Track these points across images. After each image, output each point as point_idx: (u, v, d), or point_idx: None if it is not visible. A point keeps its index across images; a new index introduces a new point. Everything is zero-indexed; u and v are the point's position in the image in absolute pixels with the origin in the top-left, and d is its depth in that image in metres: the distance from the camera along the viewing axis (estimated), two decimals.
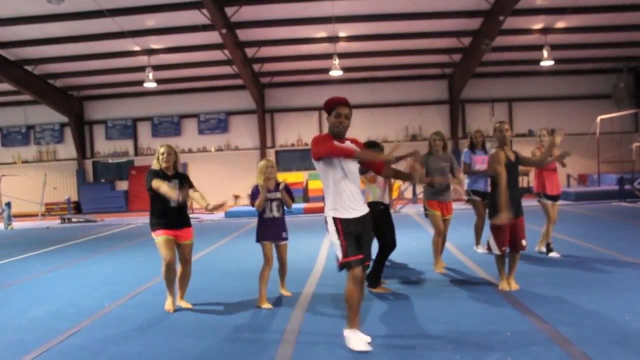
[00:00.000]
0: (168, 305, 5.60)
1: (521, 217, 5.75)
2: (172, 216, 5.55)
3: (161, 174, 5.53)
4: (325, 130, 17.75)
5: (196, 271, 7.72)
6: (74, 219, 18.11)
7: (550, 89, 21.15)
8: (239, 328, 4.91)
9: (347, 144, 4.39)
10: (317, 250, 8.66)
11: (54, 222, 17.90)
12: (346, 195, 4.28)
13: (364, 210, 4.36)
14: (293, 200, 5.94)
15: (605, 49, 18.97)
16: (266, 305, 5.58)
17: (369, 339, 4.18)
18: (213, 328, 4.92)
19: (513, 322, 4.63)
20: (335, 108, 4.34)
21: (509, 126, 5.76)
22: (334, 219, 4.27)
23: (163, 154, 5.57)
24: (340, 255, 4.25)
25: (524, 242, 5.75)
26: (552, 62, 17.50)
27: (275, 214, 5.76)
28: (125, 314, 5.51)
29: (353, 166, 4.32)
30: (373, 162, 4.55)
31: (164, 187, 5.30)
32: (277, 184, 5.79)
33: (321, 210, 16.03)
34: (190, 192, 5.68)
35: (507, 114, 21.44)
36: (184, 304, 5.70)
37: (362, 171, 4.57)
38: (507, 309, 5.06)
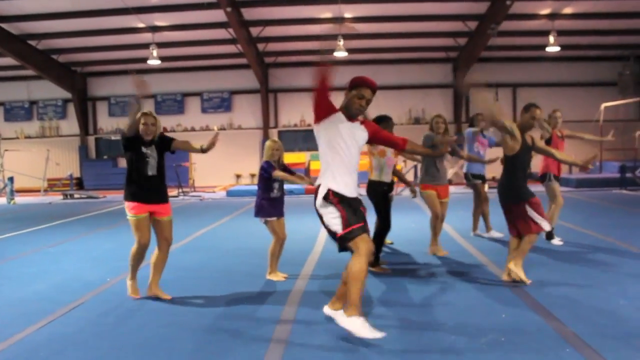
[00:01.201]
0: (133, 290, 5.16)
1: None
2: (150, 188, 5.01)
3: (138, 140, 5.01)
4: None
5: (198, 249, 7.86)
6: (76, 195, 18.19)
7: (555, 75, 21.06)
8: (237, 303, 4.99)
9: (357, 124, 4.15)
10: (317, 231, 8.73)
11: (56, 198, 17.99)
12: (345, 172, 4.03)
13: (355, 194, 4.09)
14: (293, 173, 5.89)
15: (611, 36, 18.87)
16: (277, 277, 5.79)
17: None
18: (213, 302, 5.00)
19: (508, 305, 4.70)
20: (361, 88, 4.08)
21: (541, 112, 5.46)
22: (329, 190, 3.97)
23: (145, 124, 4.98)
24: (340, 226, 3.89)
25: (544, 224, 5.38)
26: (558, 48, 17.42)
27: (277, 194, 5.84)
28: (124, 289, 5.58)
29: (354, 148, 4.06)
30: (392, 139, 4.40)
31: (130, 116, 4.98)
32: (283, 166, 5.86)
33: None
34: (175, 143, 5.19)
35: (511, 99, 21.40)
36: (161, 294, 5.14)
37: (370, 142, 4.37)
38: (503, 291, 5.12)
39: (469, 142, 7.90)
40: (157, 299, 5.09)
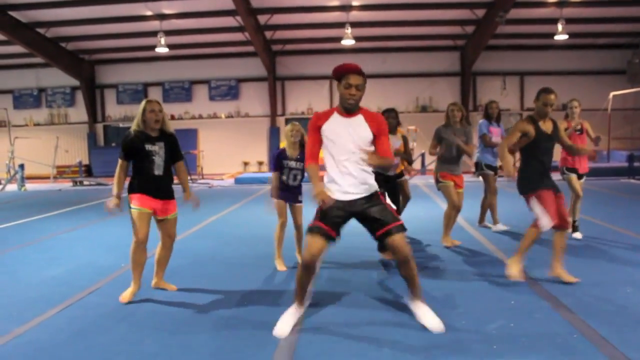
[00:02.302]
0: (126, 294, 4.76)
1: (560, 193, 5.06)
2: (158, 188, 4.78)
3: (142, 137, 4.69)
4: (337, 100, 17.61)
5: (208, 236, 7.96)
6: (85, 182, 18.34)
7: (563, 64, 21.00)
8: (245, 296, 5.08)
9: (359, 119, 3.91)
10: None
11: (66, 185, 18.15)
12: (337, 172, 3.93)
13: (350, 195, 3.92)
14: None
15: (621, 24, 18.76)
16: (281, 267, 5.78)
17: (296, 314, 4.06)
18: (221, 292, 5.10)
19: (517, 292, 4.77)
20: (345, 77, 3.82)
21: (555, 97, 5.18)
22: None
23: (152, 111, 4.67)
24: (313, 216, 4.00)
25: (569, 219, 5.13)
26: (566, 36, 17.38)
27: (291, 182, 5.84)
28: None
29: (350, 145, 3.86)
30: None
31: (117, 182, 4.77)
32: (302, 153, 5.76)
33: None
34: (177, 166, 4.94)
35: (519, 87, 21.39)
36: (167, 286, 5.07)
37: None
38: (511, 280, 5.20)
39: (481, 132, 7.66)
40: (169, 282, 5.19)
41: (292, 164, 5.79)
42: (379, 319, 4.20)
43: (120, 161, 4.76)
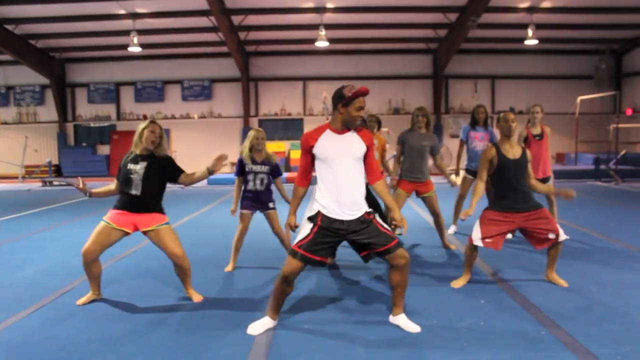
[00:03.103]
0: (83, 298, 4.70)
1: (536, 210, 4.97)
2: (132, 203, 4.57)
3: (129, 157, 4.63)
4: (312, 102, 17.72)
5: (180, 237, 7.89)
6: (55, 182, 18.08)
7: (533, 68, 21.42)
8: (218, 298, 5.11)
9: (351, 135, 3.93)
10: (300, 219, 8.86)
11: (35, 185, 17.86)
12: (334, 188, 3.91)
13: (347, 214, 3.88)
14: (281, 174, 5.88)
15: (588, 30, 19.24)
16: (228, 268, 5.81)
17: (269, 325, 4.05)
18: (199, 288, 5.11)
19: (487, 292, 4.90)
20: (357, 100, 3.84)
21: (515, 116, 5.06)
22: (319, 213, 3.93)
23: (153, 131, 4.59)
24: (297, 239, 3.95)
25: (550, 235, 4.93)
26: (536, 41, 17.72)
27: (259, 187, 5.70)
28: (115, 275, 5.66)
29: (347, 161, 3.89)
30: (372, 165, 4.03)
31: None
32: (267, 159, 5.74)
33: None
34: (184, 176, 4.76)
35: (490, 91, 21.74)
36: (194, 296, 4.81)
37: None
38: (482, 279, 5.32)
39: (465, 137, 7.66)
40: (143, 284, 5.18)
41: (257, 167, 5.69)
42: (354, 317, 4.27)
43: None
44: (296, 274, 3.92)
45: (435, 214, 6.71)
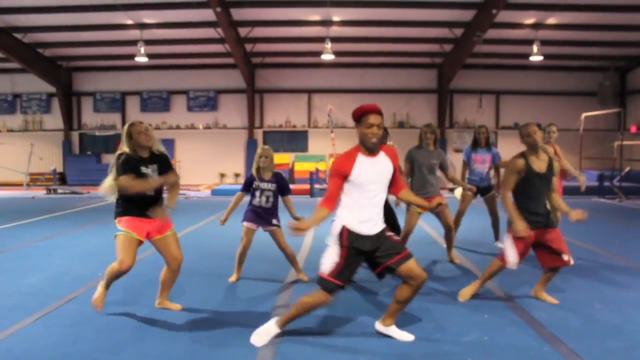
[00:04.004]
0: (100, 298, 4.59)
1: (554, 227, 4.99)
2: (148, 206, 4.52)
3: (136, 159, 4.46)
4: (317, 114, 17.84)
5: (183, 247, 7.91)
6: (59, 190, 18.13)
7: (537, 84, 21.47)
8: (223, 309, 5.12)
9: (381, 156, 3.93)
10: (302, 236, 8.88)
11: (39, 193, 17.92)
12: (366, 206, 3.88)
13: (374, 229, 3.92)
14: (289, 192, 5.87)
15: (593, 47, 19.28)
16: (232, 279, 5.85)
17: (273, 332, 4.04)
18: (199, 304, 5.13)
19: (491, 307, 4.90)
20: (365, 117, 3.80)
21: (537, 127, 4.94)
22: (344, 229, 3.86)
23: (140, 132, 4.44)
24: (326, 268, 3.88)
25: (564, 257, 4.90)
26: (541, 58, 17.77)
27: (264, 204, 5.71)
28: (119, 283, 5.64)
29: (380, 184, 3.91)
30: (396, 176, 4.03)
31: (142, 184, 4.40)
32: (275, 175, 5.77)
33: (307, 192, 16.41)
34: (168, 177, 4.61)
35: (495, 106, 21.77)
36: (171, 306, 4.83)
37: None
38: (486, 294, 5.32)
39: (466, 158, 7.64)
40: (146, 292, 5.19)
41: (264, 185, 5.71)
42: (357, 329, 4.28)
43: (116, 177, 4.39)
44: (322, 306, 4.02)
45: (447, 226, 6.71)
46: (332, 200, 3.87)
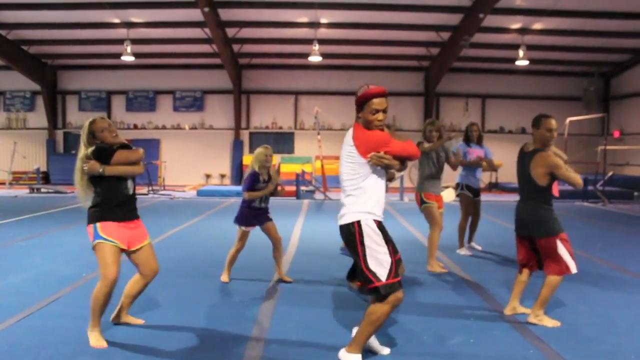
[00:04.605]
0: (97, 339, 3.95)
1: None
2: (128, 205, 4.15)
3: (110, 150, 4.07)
4: (303, 116, 17.86)
5: (170, 247, 7.89)
6: (43, 189, 17.94)
7: (523, 88, 21.64)
8: (208, 311, 5.09)
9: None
10: (290, 234, 8.86)
11: (22, 192, 17.71)
12: (382, 195, 3.61)
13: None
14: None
15: (578, 53, 19.51)
16: (224, 278, 5.81)
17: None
18: (183, 306, 5.10)
19: (477, 310, 4.92)
20: (371, 102, 3.51)
21: (557, 124, 4.57)
22: (375, 221, 3.53)
23: (104, 130, 4.09)
24: (384, 272, 3.44)
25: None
26: (527, 62, 17.93)
27: (264, 204, 5.76)
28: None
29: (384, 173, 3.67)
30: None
31: (134, 154, 4.12)
32: (270, 175, 5.74)
33: (293, 193, 16.37)
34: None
35: (480, 110, 21.91)
36: (133, 321, 4.45)
37: None
38: (473, 297, 5.34)
39: (463, 152, 7.56)
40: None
41: (263, 185, 5.68)
42: (344, 334, 4.26)
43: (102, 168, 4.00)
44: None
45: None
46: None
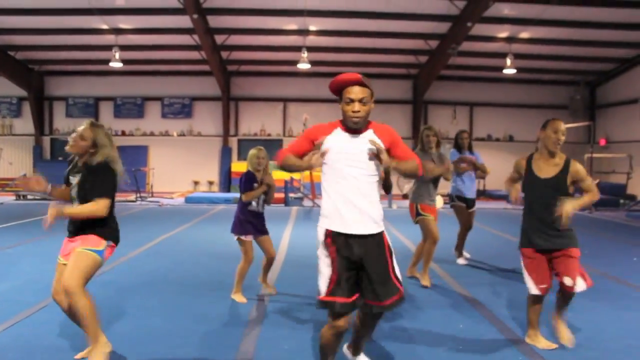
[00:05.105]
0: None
1: (568, 249, 4.14)
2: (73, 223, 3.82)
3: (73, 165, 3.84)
4: (292, 123, 17.87)
5: (158, 254, 7.85)
6: (29, 196, 17.77)
7: (510, 97, 21.83)
8: (195, 322, 5.07)
9: (369, 134, 3.18)
10: (279, 240, 8.85)
11: (9, 198, 17.55)
12: (341, 200, 3.10)
13: (369, 228, 3.12)
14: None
15: (564, 62, 19.74)
16: (239, 298, 5.31)
17: None
18: (170, 317, 5.07)
19: (466, 316, 4.93)
20: (344, 91, 3.12)
21: (564, 128, 4.30)
22: (327, 230, 3.14)
23: (75, 142, 3.82)
24: (322, 287, 3.08)
25: (567, 281, 4.05)
26: (514, 71, 18.11)
27: (260, 208, 5.41)
28: (91, 291, 5.56)
29: (359, 169, 3.11)
30: (412, 159, 3.28)
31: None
32: (265, 178, 5.41)
33: (281, 200, 16.36)
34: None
35: (468, 117, 22.05)
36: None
37: None
38: (461, 304, 5.36)
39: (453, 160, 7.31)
40: (121, 305, 5.11)
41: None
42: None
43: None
44: (343, 332, 3.14)
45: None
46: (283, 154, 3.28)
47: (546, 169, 4.23)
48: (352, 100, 3.07)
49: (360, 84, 3.09)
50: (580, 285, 4.04)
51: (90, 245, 3.64)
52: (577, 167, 4.26)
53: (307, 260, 7.57)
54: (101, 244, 3.67)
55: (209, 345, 4.15)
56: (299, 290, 5.78)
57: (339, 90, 3.18)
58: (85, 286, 3.55)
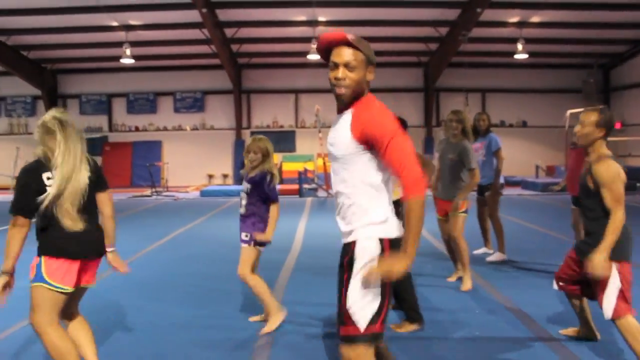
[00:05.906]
0: None
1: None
2: (84, 234, 3.10)
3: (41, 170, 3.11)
4: (304, 114, 17.87)
5: (174, 248, 7.93)
6: None
7: (523, 82, 21.64)
8: (213, 316, 5.11)
9: (348, 115, 2.47)
10: (294, 232, 8.90)
11: None
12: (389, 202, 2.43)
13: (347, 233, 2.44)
14: (273, 198, 4.42)
15: (577, 45, 19.53)
16: (279, 316, 4.31)
17: None
18: (188, 312, 5.12)
19: (481, 302, 4.95)
20: (330, 54, 2.44)
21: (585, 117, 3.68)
22: (383, 240, 2.33)
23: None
24: (376, 315, 2.29)
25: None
26: (526, 55, 17.95)
27: (241, 209, 4.42)
28: (104, 291, 5.61)
29: (331, 156, 2.53)
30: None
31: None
32: (262, 174, 4.38)
33: (295, 192, 16.42)
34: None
35: (481, 104, 21.91)
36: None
37: None
38: (477, 290, 5.36)
39: None
40: (120, 308, 5.16)
41: (243, 185, 4.49)
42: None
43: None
44: None
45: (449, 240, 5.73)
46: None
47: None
48: (337, 66, 2.38)
49: (347, 43, 2.40)
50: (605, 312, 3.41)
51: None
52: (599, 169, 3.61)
53: (322, 253, 7.57)
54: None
55: (226, 336, 4.21)
56: (314, 296, 5.35)
57: (326, 55, 2.48)
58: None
